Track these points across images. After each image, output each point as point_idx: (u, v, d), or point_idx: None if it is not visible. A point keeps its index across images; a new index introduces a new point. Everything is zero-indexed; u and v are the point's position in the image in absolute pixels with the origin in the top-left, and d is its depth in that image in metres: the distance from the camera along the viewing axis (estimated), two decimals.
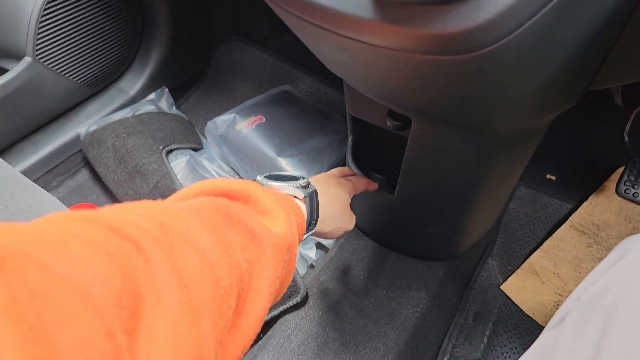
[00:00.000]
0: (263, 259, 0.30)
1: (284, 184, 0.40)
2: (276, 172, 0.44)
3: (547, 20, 0.29)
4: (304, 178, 0.43)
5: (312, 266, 0.77)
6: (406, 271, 0.74)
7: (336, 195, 0.50)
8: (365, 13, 0.32)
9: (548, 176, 0.90)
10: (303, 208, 0.40)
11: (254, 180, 0.40)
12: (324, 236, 0.48)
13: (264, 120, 0.89)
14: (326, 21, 0.37)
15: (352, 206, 0.79)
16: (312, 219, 0.42)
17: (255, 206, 0.34)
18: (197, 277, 0.24)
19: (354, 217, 0.54)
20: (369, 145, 0.74)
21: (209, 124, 0.90)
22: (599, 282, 0.30)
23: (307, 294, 0.71)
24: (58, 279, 0.18)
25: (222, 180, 0.35)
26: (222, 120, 0.89)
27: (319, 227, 0.44)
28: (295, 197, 0.41)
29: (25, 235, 0.19)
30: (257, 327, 0.29)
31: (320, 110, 0.94)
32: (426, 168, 0.59)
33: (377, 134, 0.71)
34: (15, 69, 0.76)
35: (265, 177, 0.42)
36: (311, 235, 0.44)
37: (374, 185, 0.62)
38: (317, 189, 0.44)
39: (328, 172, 0.57)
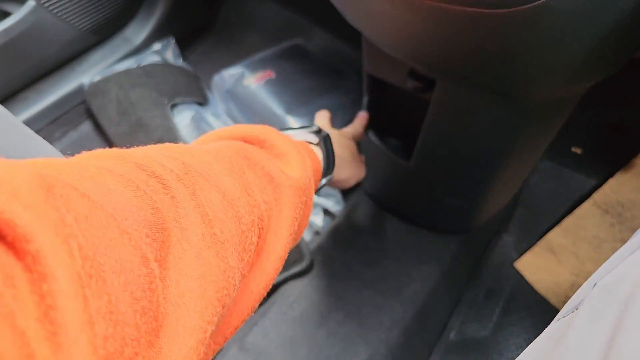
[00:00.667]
0: (281, 201, 0.31)
1: (296, 132, 0.41)
2: (285, 127, 0.44)
3: None
4: (313, 125, 0.43)
5: (317, 233, 0.73)
6: (417, 243, 0.69)
7: (344, 142, 0.49)
8: None
9: (573, 149, 0.84)
10: (318, 153, 0.40)
11: None
12: (341, 185, 0.47)
13: (273, 76, 0.83)
14: None
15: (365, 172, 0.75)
16: (329, 163, 0.42)
17: (270, 150, 0.34)
18: (220, 214, 0.25)
19: (363, 164, 0.53)
20: (385, 107, 0.68)
21: (216, 77, 0.84)
22: (616, 270, 0.27)
23: (312, 261, 0.68)
24: (98, 207, 0.19)
25: (239, 125, 0.35)
26: (230, 74, 0.83)
27: (335, 173, 0.43)
28: (309, 142, 0.40)
29: (66, 169, 0.20)
30: (278, 266, 0.30)
31: (334, 67, 0.87)
32: (448, 135, 0.54)
33: (395, 95, 0.65)
34: (19, 13, 0.71)
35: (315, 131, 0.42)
36: (328, 183, 0.44)
37: (364, 117, 0.62)
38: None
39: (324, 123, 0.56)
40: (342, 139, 0.50)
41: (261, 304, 0.65)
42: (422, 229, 0.71)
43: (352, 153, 0.50)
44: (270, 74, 0.82)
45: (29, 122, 0.80)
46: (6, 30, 0.71)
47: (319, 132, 0.42)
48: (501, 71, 0.40)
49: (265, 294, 0.29)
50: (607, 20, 0.31)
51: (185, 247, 0.22)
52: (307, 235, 0.72)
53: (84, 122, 0.87)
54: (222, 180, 0.27)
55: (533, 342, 0.30)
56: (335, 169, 0.43)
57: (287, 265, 0.66)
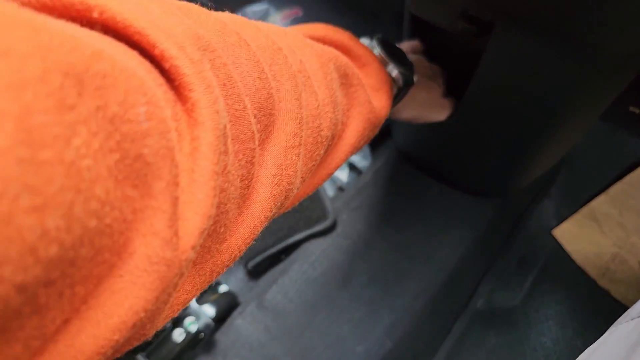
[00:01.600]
0: (351, 126, 0.31)
1: (391, 64, 0.37)
2: (388, 39, 0.40)
3: None
4: (408, 60, 0.39)
5: (341, 189, 0.68)
6: (450, 206, 0.63)
7: (427, 84, 0.46)
8: None
9: (631, 108, 0.74)
10: (393, 87, 0.38)
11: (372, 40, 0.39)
12: (398, 117, 0.46)
13: (300, 14, 0.73)
14: None
15: (397, 126, 0.67)
16: (393, 103, 0.40)
17: (367, 77, 0.34)
18: (310, 122, 0.26)
19: (446, 106, 0.49)
20: (428, 54, 0.60)
21: (238, 14, 0.75)
22: None
23: (335, 219, 0.63)
24: (232, 81, 0.20)
25: (348, 36, 0.34)
26: (254, 11, 0.74)
27: (394, 110, 0.42)
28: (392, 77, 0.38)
29: (212, 31, 0.21)
30: (333, 170, 0.31)
31: (367, 7, 0.77)
32: (502, 88, 0.47)
33: (440, 41, 0.57)
34: None
35: (378, 40, 0.39)
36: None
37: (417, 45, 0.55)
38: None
39: (415, 49, 0.52)
40: (427, 81, 0.46)
41: (281, 262, 0.62)
42: (456, 190, 0.65)
43: (432, 98, 0.47)
44: (297, 12, 0.73)
45: None
46: None
47: (408, 73, 0.38)
48: (582, 14, 0.33)
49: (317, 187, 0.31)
50: None
51: (281, 137, 0.24)
52: (330, 191, 0.67)
53: None
54: (319, 90, 0.28)
55: (597, 343, 0.27)
56: (398, 107, 0.42)
57: (309, 223, 0.61)
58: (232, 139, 0.20)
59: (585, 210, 0.67)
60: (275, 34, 0.27)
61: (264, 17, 0.72)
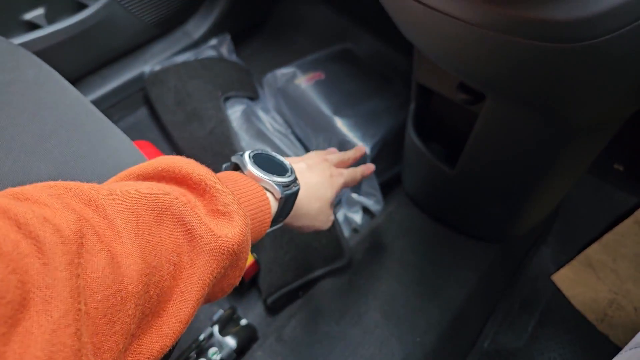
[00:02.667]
0: (197, 263, 0.27)
1: (265, 177, 0.34)
2: (267, 153, 0.37)
3: None
4: (291, 173, 0.36)
5: (355, 230, 0.72)
6: (456, 248, 0.67)
7: (319, 193, 0.42)
8: None
9: (616, 166, 0.79)
10: (273, 205, 0.34)
11: (242, 156, 0.35)
12: (291, 227, 0.42)
13: (323, 77, 0.82)
14: None
15: (405, 172, 0.73)
16: (281, 216, 0.36)
17: (209, 203, 0.28)
18: (94, 284, 0.22)
19: (331, 217, 0.45)
20: (431, 114, 0.67)
21: (269, 75, 0.83)
22: None
23: (351, 258, 0.67)
24: None
25: (187, 162, 0.29)
26: (282, 73, 0.82)
27: (287, 220, 0.39)
28: (270, 191, 0.34)
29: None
30: (179, 330, 0.26)
31: (380, 72, 0.85)
32: (494, 147, 0.52)
33: (442, 104, 0.64)
34: (95, 6, 0.72)
35: (253, 155, 0.35)
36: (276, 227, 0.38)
37: (369, 169, 0.51)
38: (303, 181, 0.39)
39: (328, 155, 0.47)
40: (320, 189, 0.42)
41: (298, 296, 0.63)
42: (461, 234, 0.69)
43: (321, 207, 0.43)
44: (320, 75, 0.81)
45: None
46: (82, 21, 0.72)
47: (289, 185, 0.35)
48: (551, 96, 0.39)
49: (159, 357, 0.26)
50: None
51: (42, 321, 0.19)
52: (345, 231, 0.72)
53: (140, 108, 0.87)
54: (117, 242, 0.23)
55: None
56: (290, 218, 0.38)
57: (327, 261, 0.65)
58: None
59: (580, 257, 0.71)
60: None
61: (291, 78, 0.81)
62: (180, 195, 0.28)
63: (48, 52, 0.71)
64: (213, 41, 0.91)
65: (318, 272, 0.63)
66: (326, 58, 0.85)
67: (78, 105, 0.39)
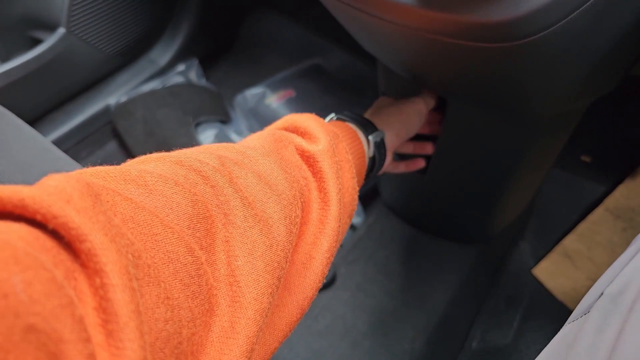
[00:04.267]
0: (318, 170, 0.31)
1: (354, 126, 0.40)
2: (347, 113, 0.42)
3: (594, 9, 0.28)
4: (373, 128, 0.42)
5: (341, 245, 0.73)
6: (437, 253, 0.69)
7: (391, 111, 0.46)
8: (411, 1, 0.30)
9: (583, 158, 0.84)
10: (366, 150, 0.39)
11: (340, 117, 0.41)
12: (401, 139, 0.46)
13: (294, 94, 0.83)
14: (366, 4, 0.34)
15: (382, 182, 0.75)
16: (377, 162, 0.41)
17: (304, 135, 0.34)
18: (259, 195, 0.26)
19: (420, 103, 0.48)
20: None
21: (239, 97, 0.85)
22: (619, 278, 0.28)
23: (335, 274, 0.68)
24: (141, 208, 0.20)
25: (287, 116, 0.36)
26: (252, 94, 0.84)
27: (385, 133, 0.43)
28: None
29: (110, 175, 0.21)
30: (337, 226, 0.30)
31: (351, 85, 0.88)
32: (460, 150, 0.54)
33: None
34: (50, 40, 0.71)
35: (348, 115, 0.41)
36: (387, 146, 0.43)
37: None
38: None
39: (389, 100, 0.51)
40: (392, 110, 0.47)
41: None
42: (441, 239, 0.71)
43: (399, 109, 0.47)
44: (290, 92, 0.83)
45: (56, 143, 0.81)
46: (37, 57, 0.71)
47: (372, 131, 0.41)
48: (504, 94, 0.41)
49: (330, 257, 0.30)
50: (596, 52, 0.33)
51: (230, 230, 0.24)
52: None
53: (109, 142, 0.87)
54: (257, 164, 0.28)
55: (547, 345, 0.31)
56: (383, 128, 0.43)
57: None
58: (163, 263, 0.19)
59: (558, 248, 0.73)
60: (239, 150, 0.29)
61: (261, 98, 0.82)
62: (281, 131, 0.34)
63: (3, 92, 0.70)
64: (180, 67, 0.91)
65: None
66: (296, 75, 0.87)
67: (34, 144, 0.39)
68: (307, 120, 0.34)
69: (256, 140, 0.31)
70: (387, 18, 0.34)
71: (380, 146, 0.41)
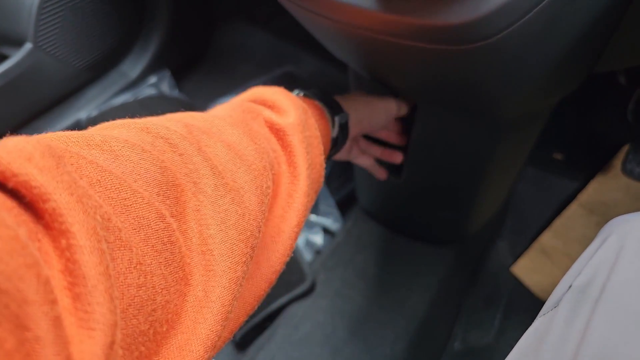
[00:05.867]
0: (287, 143, 0.31)
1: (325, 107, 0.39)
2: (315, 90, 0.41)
3: (551, 9, 0.28)
4: (337, 108, 0.41)
5: (318, 252, 0.73)
6: (415, 256, 0.69)
7: (362, 101, 0.46)
8: (368, 3, 0.31)
9: (555, 155, 0.85)
10: (331, 129, 0.39)
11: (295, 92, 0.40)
12: (365, 128, 0.46)
13: None
14: (328, 10, 0.34)
15: (359, 187, 0.75)
16: (339, 143, 0.41)
17: (272, 107, 0.33)
18: (229, 165, 0.25)
19: (388, 101, 0.48)
20: None
21: (212, 107, 0.84)
22: (585, 270, 0.29)
23: (314, 281, 0.67)
24: (107, 172, 0.19)
25: (254, 89, 0.35)
26: (223, 103, 0.84)
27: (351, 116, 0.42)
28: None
29: (72, 139, 0.20)
30: (305, 202, 0.30)
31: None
32: (432, 151, 0.55)
33: None
34: (16, 56, 0.70)
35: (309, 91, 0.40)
36: (348, 130, 0.42)
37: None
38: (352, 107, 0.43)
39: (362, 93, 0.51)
40: (363, 100, 0.47)
41: (266, 328, 0.64)
42: (418, 241, 0.71)
43: (369, 100, 0.47)
44: None
45: None
46: (4, 74, 0.70)
47: (339, 112, 0.41)
48: (469, 95, 0.42)
49: (298, 232, 0.29)
50: (555, 50, 0.34)
51: (201, 199, 0.23)
52: (308, 255, 0.72)
53: None
54: (225, 133, 0.27)
55: (520, 339, 0.32)
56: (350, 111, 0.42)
57: (289, 287, 0.65)
58: (133, 229, 0.19)
59: (535, 245, 0.74)
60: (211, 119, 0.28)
61: None
62: (250, 103, 0.33)
63: None
64: (152, 79, 0.90)
65: (282, 300, 0.64)
66: (268, 82, 0.87)
67: None
68: (276, 93, 0.34)
69: (224, 110, 0.31)
70: (348, 22, 0.34)
71: (344, 128, 0.41)
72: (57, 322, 0.14)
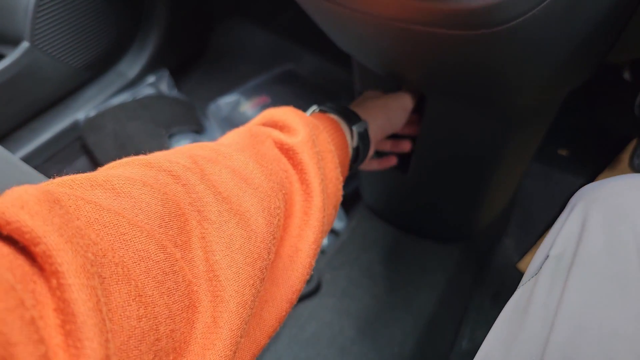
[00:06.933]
0: (298, 162, 0.31)
1: (343, 122, 0.39)
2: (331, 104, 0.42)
3: None
4: (355, 117, 0.41)
5: (323, 252, 0.72)
6: (421, 254, 0.68)
7: (376, 108, 0.46)
8: None
9: (560, 152, 0.85)
10: (349, 140, 0.39)
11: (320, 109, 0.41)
12: (385, 131, 0.46)
13: (268, 101, 0.82)
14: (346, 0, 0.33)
15: (363, 184, 0.74)
16: (361, 152, 0.41)
17: (282, 128, 0.34)
18: (235, 190, 0.26)
19: (404, 97, 0.48)
20: None
21: (212, 106, 0.83)
22: (558, 239, 0.31)
23: (319, 281, 0.66)
24: (106, 210, 0.20)
25: (266, 111, 0.36)
26: (226, 102, 0.82)
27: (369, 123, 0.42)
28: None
29: (76, 182, 0.21)
30: (321, 217, 0.30)
31: (325, 89, 0.87)
32: (440, 145, 0.55)
33: None
34: (13, 55, 0.69)
35: (330, 107, 0.41)
36: (371, 136, 0.42)
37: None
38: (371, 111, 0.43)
39: (376, 93, 0.50)
40: (378, 104, 0.47)
41: None
42: (424, 239, 0.70)
43: (384, 103, 0.47)
44: (265, 99, 0.82)
45: (23, 161, 0.78)
46: (0, 73, 0.69)
47: (357, 120, 0.41)
48: (481, 85, 0.42)
49: (317, 249, 0.30)
50: (573, 38, 0.33)
51: (205, 226, 0.24)
52: None
53: (79, 159, 0.84)
54: (231, 159, 0.28)
55: (502, 311, 0.33)
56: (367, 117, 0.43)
57: None
58: (134, 262, 0.19)
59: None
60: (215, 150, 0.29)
61: (235, 106, 0.81)
62: (257, 126, 0.34)
63: None
64: (151, 78, 0.89)
65: None
66: (269, 81, 0.86)
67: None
68: (285, 113, 0.34)
69: (231, 137, 0.31)
70: (361, 9, 0.33)
71: (364, 137, 0.41)
72: (44, 359, 0.15)
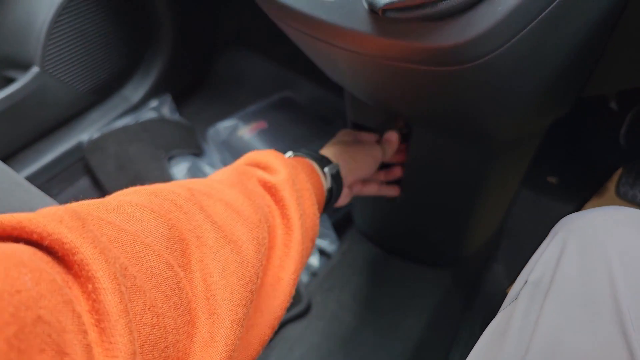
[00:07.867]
0: (279, 198, 0.35)
1: (316, 165, 0.43)
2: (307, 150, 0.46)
3: (535, 34, 0.30)
4: (326, 160, 0.45)
5: (314, 274, 0.73)
6: (411, 278, 0.69)
7: (350, 156, 0.49)
8: (364, 27, 0.32)
9: (549, 179, 0.86)
10: (323, 182, 0.42)
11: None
12: (356, 174, 0.49)
13: (265, 126, 0.85)
14: (326, 35, 0.36)
15: (355, 209, 0.75)
16: (334, 193, 0.44)
17: (265, 169, 0.37)
18: (228, 220, 0.29)
19: (372, 154, 0.51)
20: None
21: (211, 130, 0.85)
22: (537, 266, 0.32)
23: (309, 303, 0.66)
24: (123, 231, 0.23)
25: (249, 154, 0.40)
26: (225, 126, 0.85)
27: (342, 168, 0.46)
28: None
29: (93, 206, 0.24)
30: (301, 249, 0.33)
31: (321, 116, 0.90)
32: (427, 173, 0.57)
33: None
34: (23, 79, 0.72)
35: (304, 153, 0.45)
36: (343, 179, 0.45)
37: (394, 142, 0.55)
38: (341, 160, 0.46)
39: (349, 135, 0.54)
40: (360, 159, 0.50)
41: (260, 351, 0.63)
42: (414, 263, 0.71)
43: (356, 150, 0.49)
44: (262, 124, 0.84)
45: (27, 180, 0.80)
46: (10, 96, 0.72)
47: (327, 164, 0.44)
48: (460, 118, 0.44)
49: (295, 279, 0.32)
50: (543, 73, 0.35)
51: (204, 250, 0.26)
52: (304, 277, 0.71)
53: (81, 179, 0.87)
54: (224, 194, 0.31)
55: (483, 334, 0.35)
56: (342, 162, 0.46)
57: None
58: (146, 277, 0.22)
59: None
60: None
61: (234, 130, 0.83)
62: (245, 166, 0.38)
63: None
64: (153, 103, 0.92)
65: None
66: (267, 107, 0.89)
67: (5, 179, 0.38)
68: (267, 155, 0.39)
69: (222, 174, 0.35)
70: (344, 46, 0.36)
71: (336, 178, 0.45)
72: (88, 349, 0.17)
